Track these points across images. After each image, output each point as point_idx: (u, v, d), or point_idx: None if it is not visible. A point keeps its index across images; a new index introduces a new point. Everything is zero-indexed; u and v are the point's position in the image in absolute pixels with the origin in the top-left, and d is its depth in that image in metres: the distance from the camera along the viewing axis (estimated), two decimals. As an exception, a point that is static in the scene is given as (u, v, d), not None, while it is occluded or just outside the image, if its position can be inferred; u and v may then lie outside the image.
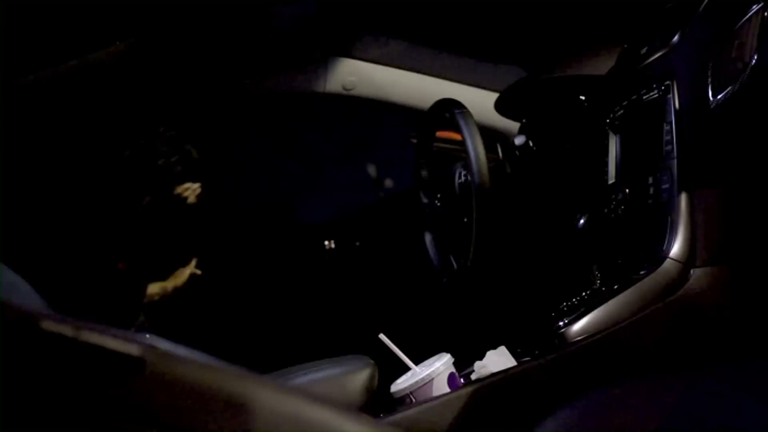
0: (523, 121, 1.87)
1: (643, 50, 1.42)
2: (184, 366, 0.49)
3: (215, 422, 0.49)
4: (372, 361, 1.19)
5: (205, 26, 1.45)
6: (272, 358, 1.33)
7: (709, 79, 1.20)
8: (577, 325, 1.17)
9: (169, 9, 1.41)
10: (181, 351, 0.52)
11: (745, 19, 1.14)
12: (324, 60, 2.00)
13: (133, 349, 0.46)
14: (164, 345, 0.52)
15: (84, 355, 0.46)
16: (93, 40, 1.40)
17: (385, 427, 0.60)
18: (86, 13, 1.36)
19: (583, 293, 1.30)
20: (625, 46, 1.53)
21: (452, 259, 1.75)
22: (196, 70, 1.55)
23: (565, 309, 1.27)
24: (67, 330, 0.45)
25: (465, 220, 1.64)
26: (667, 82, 1.28)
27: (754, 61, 1.08)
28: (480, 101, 2.00)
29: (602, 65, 1.63)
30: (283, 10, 1.59)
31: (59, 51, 1.47)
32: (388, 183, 2.03)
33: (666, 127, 1.26)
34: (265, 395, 0.57)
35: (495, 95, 1.93)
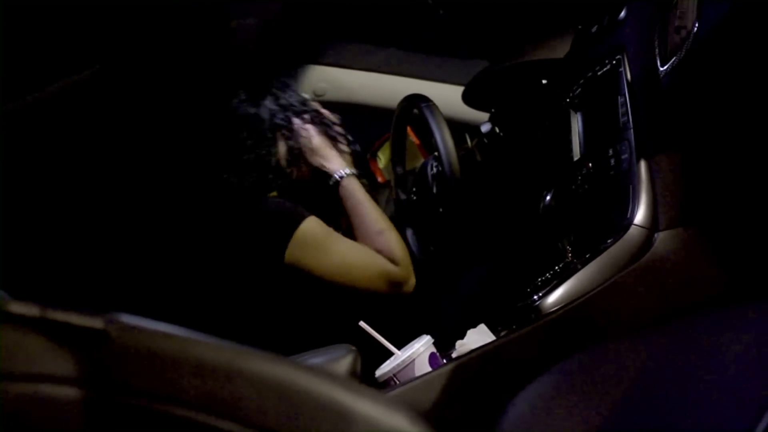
0: (492, 111, 1.91)
1: (594, 29, 1.47)
2: (149, 335, 0.53)
3: (188, 383, 0.51)
4: (354, 348, 1.22)
5: (164, 47, 1.48)
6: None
7: (657, 50, 1.24)
8: (551, 298, 1.20)
9: (128, 34, 1.44)
10: (150, 324, 0.55)
11: (685, -12, 1.18)
12: (293, 68, 2.04)
13: (96, 323, 0.50)
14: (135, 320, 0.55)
15: (50, 332, 0.49)
16: (57, 69, 1.43)
17: (373, 390, 0.63)
18: (48, 42, 1.39)
19: (556, 267, 1.33)
20: (579, 27, 1.58)
21: (433, 250, 1.79)
22: (165, 93, 1.58)
23: (540, 283, 1.30)
24: (33, 311, 0.49)
25: (441, 210, 1.68)
26: (618, 56, 1.33)
27: (695, 28, 1.12)
28: (448, 96, 2.04)
29: (562, 49, 1.68)
30: (244, 23, 1.63)
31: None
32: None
33: (620, 99, 1.30)
34: (249, 362, 0.58)
35: (462, 89, 1.97)
